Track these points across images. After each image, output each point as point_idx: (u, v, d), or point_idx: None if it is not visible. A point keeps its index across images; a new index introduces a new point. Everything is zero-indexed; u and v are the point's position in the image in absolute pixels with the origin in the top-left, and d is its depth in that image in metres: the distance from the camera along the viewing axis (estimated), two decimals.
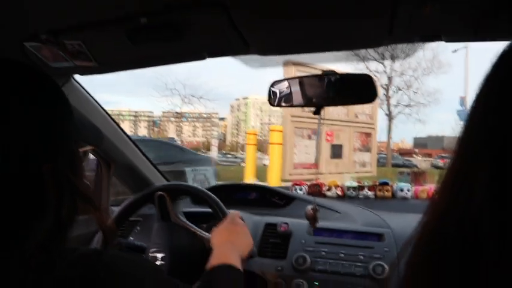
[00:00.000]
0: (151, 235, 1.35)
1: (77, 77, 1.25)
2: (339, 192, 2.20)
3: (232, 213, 1.24)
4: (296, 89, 1.20)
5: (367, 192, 2.24)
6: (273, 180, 7.39)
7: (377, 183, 2.30)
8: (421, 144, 47.61)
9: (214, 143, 18.08)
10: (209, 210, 1.36)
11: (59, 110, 0.59)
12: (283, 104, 1.22)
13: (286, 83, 1.23)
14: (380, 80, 22.05)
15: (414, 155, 36.64)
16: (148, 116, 71.25)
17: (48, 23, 0.88)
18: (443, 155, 31.84)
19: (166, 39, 0.89)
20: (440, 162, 28.49)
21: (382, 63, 22.03)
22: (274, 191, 1.92)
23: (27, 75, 0.57)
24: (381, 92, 23.00)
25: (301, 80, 1.20)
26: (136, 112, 73.85)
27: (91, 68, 1.07)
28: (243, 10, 0.82)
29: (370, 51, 15.18)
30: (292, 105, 1.21)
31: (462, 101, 19.90)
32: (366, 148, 9.96)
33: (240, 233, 1.11)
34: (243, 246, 1.07)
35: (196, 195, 1.43)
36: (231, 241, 1.06)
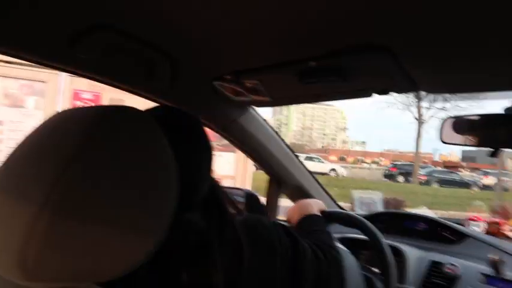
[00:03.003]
0: None
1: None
2: None
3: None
4: (473, 126, 1.11)
5: None
6: None
7: None
8: (469, 157, 38.92)
9: None
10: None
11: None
12: (456, 142, 1.15)
13: (462, 120, 1.15)
14: None
15: (461, 169, 28.77)
16: None
17: (232, 66, 1.03)
18: (488, 170, 23.94)
19: (332, 81, 0.93)
20: (484, 179, 21.65)
21: None
22: (446, 225, 1.77)
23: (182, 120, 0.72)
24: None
25: (481, 118, 1.11)
26: None
27: (266, 101, 1.19)
28: (409, 52, 0.82)
29: None
30: (465, 145, 1.13)
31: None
32: None
33: (307, 201, 1.22)
34: (313, 206, 1.18)
35: (350, 223, 1.34)
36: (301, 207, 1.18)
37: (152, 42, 0.93)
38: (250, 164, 8.75)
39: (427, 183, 20.48)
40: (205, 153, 0.72)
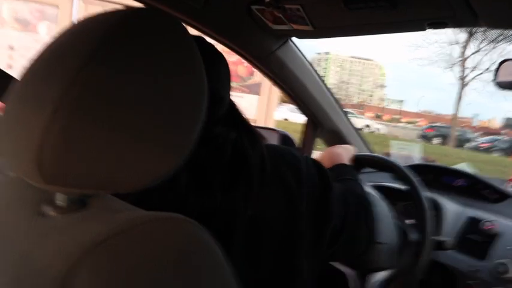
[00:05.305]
0: None
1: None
2: None
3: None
4: None
5: None
6: None
7: None
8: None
9: None
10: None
11: None
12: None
13: None
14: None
15: (500, 136, 25.53)
16: None
17: None
18: None
19: (381, 7, 0.85)
20: None
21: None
22: (487, 183, 1.69)
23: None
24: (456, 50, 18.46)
25: None
26: None
27: (308, 32, 1.11)
28: None
29: None
30: None
31: None
32: None
33: (337, 149, 1.18)
34: (343, 155, 1.14)
35: (384, 167, 1.32)
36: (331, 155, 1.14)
37: None
38: (273, 110, 8.56)
39: (486, 150, 19.34)
40: (224, 67, 0.70)
